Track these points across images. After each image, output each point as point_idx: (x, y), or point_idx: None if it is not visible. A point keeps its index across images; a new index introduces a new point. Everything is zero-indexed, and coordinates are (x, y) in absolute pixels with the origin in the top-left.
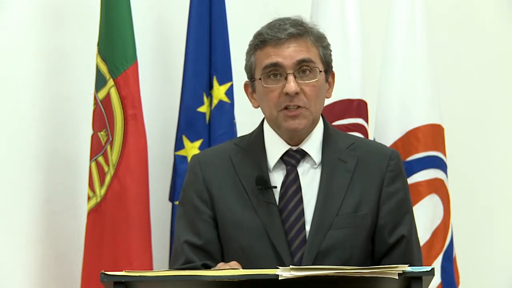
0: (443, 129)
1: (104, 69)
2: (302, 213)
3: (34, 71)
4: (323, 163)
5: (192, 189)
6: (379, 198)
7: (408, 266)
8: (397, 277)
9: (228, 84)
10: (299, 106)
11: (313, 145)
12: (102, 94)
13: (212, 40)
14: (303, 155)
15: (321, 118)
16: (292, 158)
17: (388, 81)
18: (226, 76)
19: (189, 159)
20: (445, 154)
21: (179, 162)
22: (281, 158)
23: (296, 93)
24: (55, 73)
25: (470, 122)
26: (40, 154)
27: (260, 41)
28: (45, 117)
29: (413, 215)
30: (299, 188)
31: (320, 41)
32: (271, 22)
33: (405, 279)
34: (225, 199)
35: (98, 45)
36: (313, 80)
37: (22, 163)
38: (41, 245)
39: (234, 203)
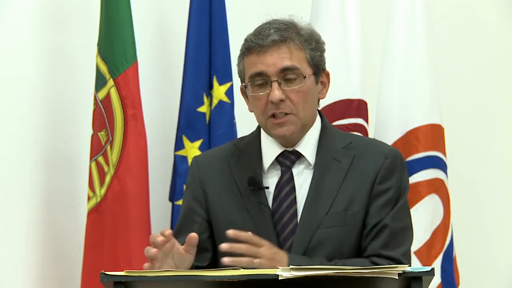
0: (443, 129)
1: (104, 69)
2: (295, 214)
3: (34, 71)
4: (316, 163)
5: (189, 190)
6: (370, 195)
7: (400, 261)
8: (397, 277)
9: (228, 84)
10: (286, 113)
11: (308, 146)
12: (102, 94)
13: (212, 40)
14: (298, 156)
15: (318, 118)
16: (287, 159)
17: (388, 81)
18: (226, 76)
19: (189, 159)
20: (445, 154)
21: (179, 162)
22: (276, 159)
23: (282, 100)
24: (55, 73)
25: (470, 122)
26: (40, 154)
27: (246, 48)
28: (45, 117)
29: (405, 210)
30: (293, 189)
31: (308, 43)
32: (258, 27)
33: (405, 279)
34: (220, 200)
35: (98, 45)
36: (298, 86)
37: (22, 163)
38: (41, 245)
39: (228, 204)
